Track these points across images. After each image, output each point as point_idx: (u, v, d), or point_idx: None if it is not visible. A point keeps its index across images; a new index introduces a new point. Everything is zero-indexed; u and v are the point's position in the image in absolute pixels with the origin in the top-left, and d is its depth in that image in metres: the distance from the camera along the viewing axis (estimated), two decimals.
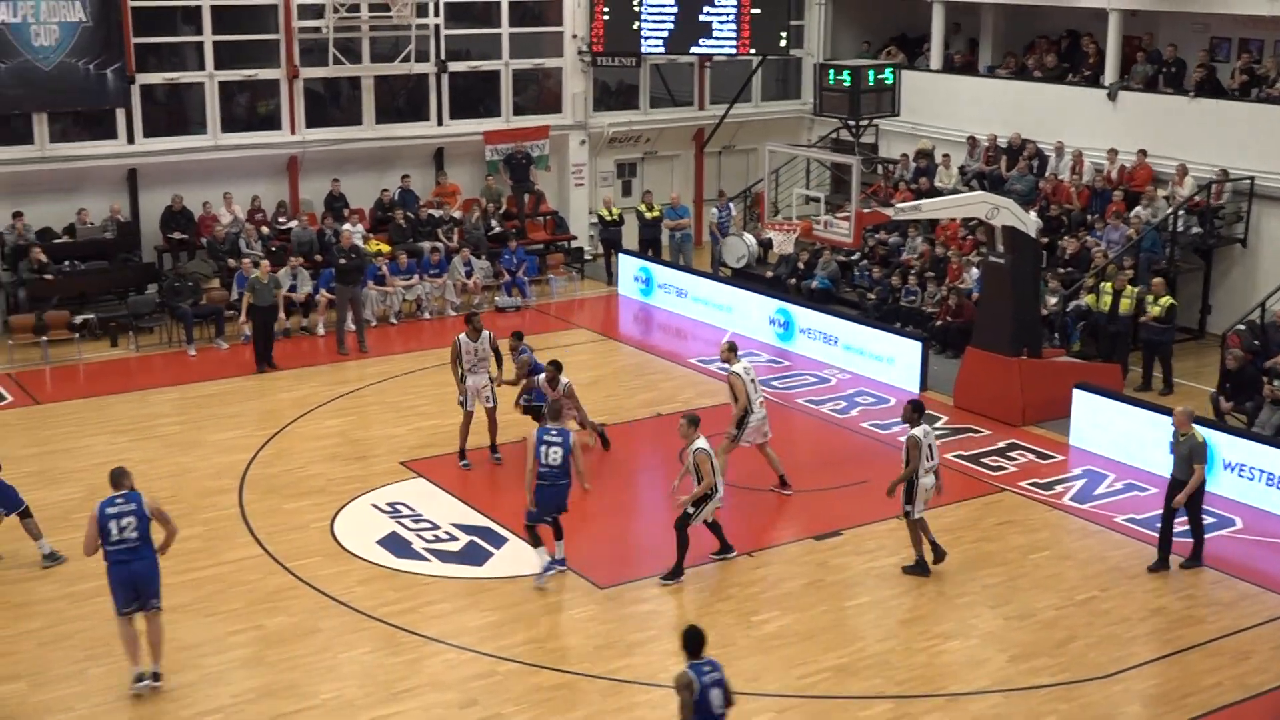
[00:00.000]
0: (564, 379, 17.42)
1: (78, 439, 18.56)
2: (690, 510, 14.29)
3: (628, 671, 12.71)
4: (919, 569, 14.66)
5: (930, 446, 14.49)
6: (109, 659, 12.75)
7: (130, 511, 11.93)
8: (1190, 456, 14.46)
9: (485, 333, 17.40)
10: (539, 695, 12.31)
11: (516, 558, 14.87)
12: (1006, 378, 19.21)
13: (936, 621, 13.73)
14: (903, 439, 14.61)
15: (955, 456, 17.95)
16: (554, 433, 14.28)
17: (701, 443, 14.26)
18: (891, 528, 15.66)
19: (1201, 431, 14.94)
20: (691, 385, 20.73)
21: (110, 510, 11.93)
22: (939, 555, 14.73)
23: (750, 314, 23.45)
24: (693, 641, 9.74)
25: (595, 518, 16.10)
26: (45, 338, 22.04)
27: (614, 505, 16.50)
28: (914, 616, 13.86)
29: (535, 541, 14.41)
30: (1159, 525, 14.90)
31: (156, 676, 12.31)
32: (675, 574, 14.42)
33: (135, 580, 12.04)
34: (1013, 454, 18.15)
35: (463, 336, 17.35)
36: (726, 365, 16.52)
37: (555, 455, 14.14)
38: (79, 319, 22.64)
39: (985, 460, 17.93)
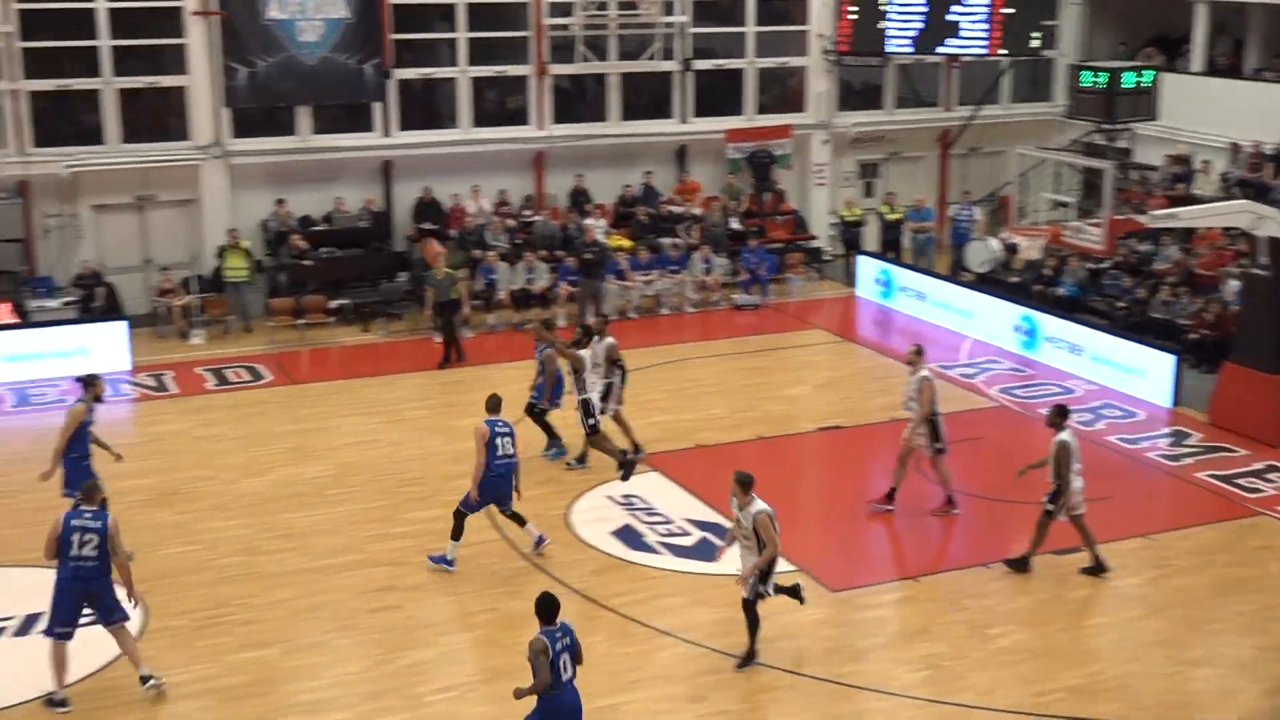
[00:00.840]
0: (609, 339, 17.25)
1: (330, 419, 19.34)
2: (761, 588, 12.50)
3: (857, 677, 12.57)
4: (1021, 565, 14.50)
5: (1076, 449, 14.27)
6: (355, 630, 13.31)
7: (94, 529, 11.58)
8: None
9: (607, 341, 17.25)
10: (767, 695, 12.30)
11: None
12: (1267, 396, 18.30)
13: (1184, 647, 13.17)
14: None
15: (1208, 476, 17.24)
16: (502, 424, 14.43)
17: (761, 504, 12.37)
18: (1135, 546, 15.14)
19: None
20: None
21: (75, 522, 11.61)
22: (1101, 567, 14.45)
23: (992, 320, 22.90)
24: (545, 608, 10.18)
25: (829, 521, 16.02)
26: (302, 321, 23.07)
27: (848, 509, 16.33)
28: (1159, 640, 13.31)
29: (458, 533, 14.52)
30: None
31: (146, 680, 11.97)
32: (749, 659, 12.72)
33: (91, 599, 11.69)
34: (1271, 476, 17.28)
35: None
36: (914, 369, 15.84)
37: (508, 445, 14.35)
38: (334, 304, 23.60)
39: (1240, 481, 17.12)
